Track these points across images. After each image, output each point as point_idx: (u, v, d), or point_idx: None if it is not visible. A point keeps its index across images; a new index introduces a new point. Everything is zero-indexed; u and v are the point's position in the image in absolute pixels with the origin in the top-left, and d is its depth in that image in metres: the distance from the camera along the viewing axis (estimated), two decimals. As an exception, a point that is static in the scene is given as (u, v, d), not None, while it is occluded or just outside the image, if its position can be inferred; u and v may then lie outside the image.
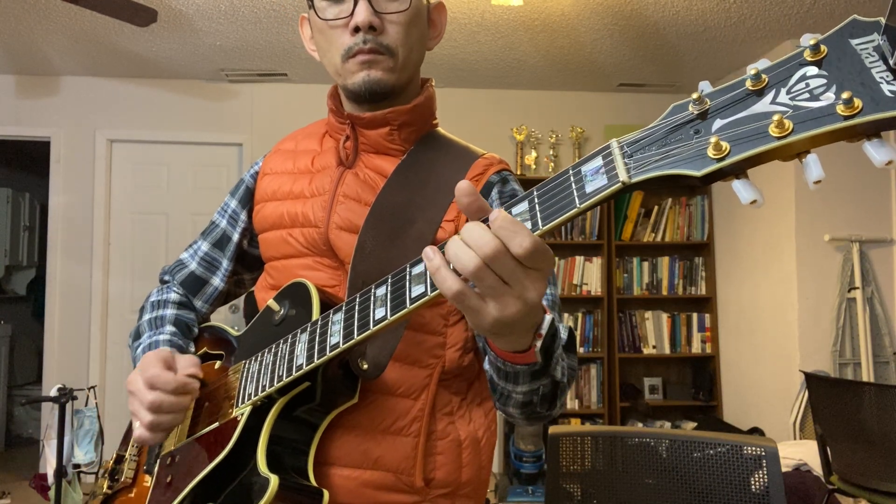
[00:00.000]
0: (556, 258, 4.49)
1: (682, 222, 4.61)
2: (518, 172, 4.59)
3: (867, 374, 3.59)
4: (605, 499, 1.42)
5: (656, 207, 4.62)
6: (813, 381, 2.74)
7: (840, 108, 0.46)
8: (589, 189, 0.57)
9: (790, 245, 3.77)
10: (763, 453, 1.29)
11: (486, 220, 0.61)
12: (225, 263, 1.13)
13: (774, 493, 1.25)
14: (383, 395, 0.91)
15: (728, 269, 4.44)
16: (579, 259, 4.51)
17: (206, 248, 1.14)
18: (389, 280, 0.72)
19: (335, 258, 0.96)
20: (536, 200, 0.61)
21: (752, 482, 1.28)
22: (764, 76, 0.50)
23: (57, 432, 2.81)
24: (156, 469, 0.97)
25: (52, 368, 4.43)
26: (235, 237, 1.12)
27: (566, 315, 4.50)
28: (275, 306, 0.93)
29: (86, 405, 3.38)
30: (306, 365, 0.80)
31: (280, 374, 0.83)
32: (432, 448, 0.92)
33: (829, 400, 2.68)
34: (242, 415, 0.86)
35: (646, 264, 4.61)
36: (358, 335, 0.74)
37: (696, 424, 4.22)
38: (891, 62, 0.45)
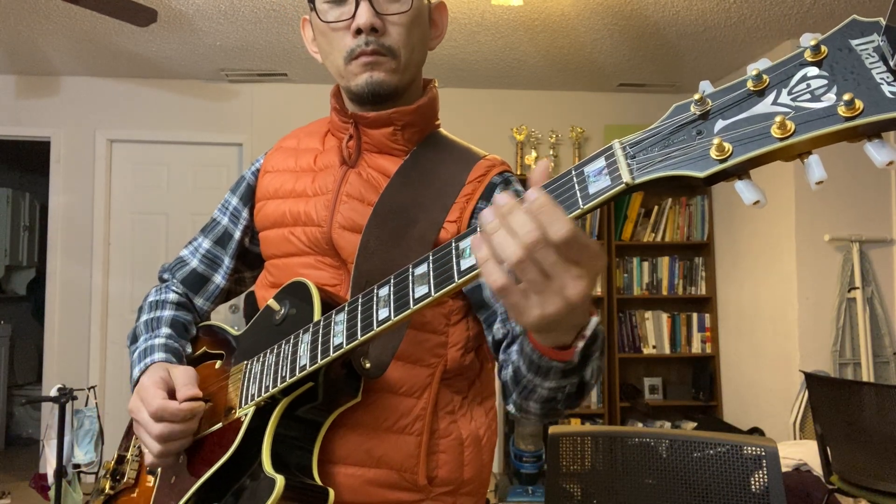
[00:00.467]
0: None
1: (682, 222, 4.61)
2: (518, 172, 4.59)
3: (867, 374, 3.59)
4: (605, 499, 1.42)
5: (656, 207, 4.62)
6: (813, 381, 2.74)
7: (841, 110, 0.46)
8: (592, 190, 0.57)
9: (790, 245, 3.77)
10: (763, 453, 1.29)
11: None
12: (227, 261, 1.12)
13: (774, 493, 1.25)
14: (386, 393, 0.91)
15: (728, 269, 4.44)
16: (579, 259, 4.50)
17: (207, 246, 1.14)
18: (392, 281, 0.73)
19: (337, 257, 0.96)
20: None
21: (752, 482, 1.28)
22: (765, 76, 0.50)
23: (57, 432, 2.81)
24: (159, 470, 0.97)
25: (52, 368, 4.42)
26: (237, 235, 1.11)
27: (566, 315, 4.49)
28: (275, 306, 0.93)
29: (86, 405, 3.38)
30: (310, 365, 0.80)
31: (283, 374, 0.83)
32: (435, 446, 0.93)
33: (829, 400, 2.68)
34: (246, 415, 0.86)
35: (646, 264, 4.61)
36: (361, 336, 0.74)
37: (696, 424, 4.22)
38: (891, 63, 0.46)
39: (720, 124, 0.51)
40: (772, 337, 3.95)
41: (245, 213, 1.11)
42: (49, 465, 2.98)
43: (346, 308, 0.78)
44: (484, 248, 0.59)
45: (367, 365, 0.87)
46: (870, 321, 3.66)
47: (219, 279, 1.13)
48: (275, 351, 0.87)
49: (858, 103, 0.45)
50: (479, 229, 0.62)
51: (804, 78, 0.49)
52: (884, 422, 2.49)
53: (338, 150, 1.01)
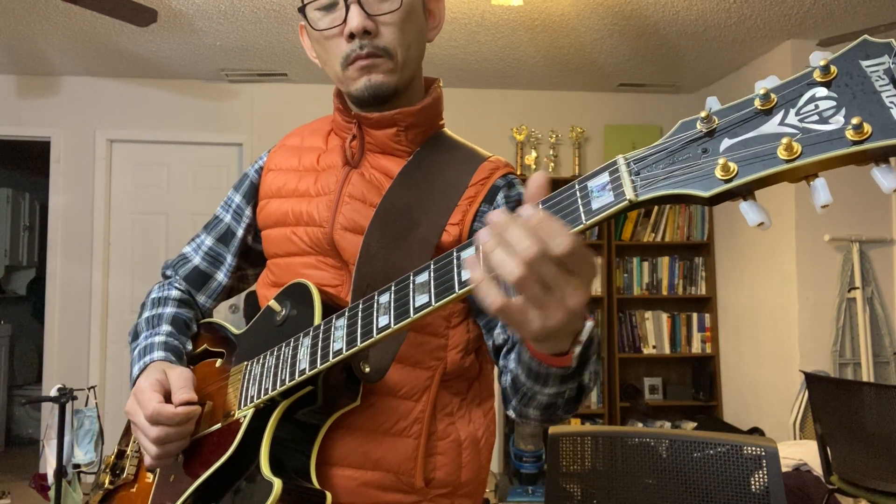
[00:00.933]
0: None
1: (682, 222, 4.61)
2: (518, 172, 4.57)
3: (867, 374, 3.59)
4: (605, 499, 1.42)
5: (656, 207, 4.62)
6: (813, 381, 2.74)
7: (849, 133, 0.45)
8: (595, 206, 0.56)
9: (790, 245, 3.77)
10: (763, 453, 1.29)
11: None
12: (229, 259, 1.12)
13: (774, 493, 1.25)
14: (385, 396, 0.91)
15: (728, 269, 4.44)
16: (579, 259, 4.50)
17: (210, 243, 1.13)
18: (393, 288, 0.72)
19: (339, 258, 0.96)
20: None
21: (752, 482, 1.28)
22: (773, 96, 0.50)
23: (57, 432, 2.81)
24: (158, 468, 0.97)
25: (52, 368, 4.42)
26: (240, 233, 1.11)
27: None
28: (276, 306, 0.93)
29: (86, 405, 3.38)
30: (309, 370, 0.80)
31: (283, 377, 0.83)
32: (433, 448, 0.92)
33: (829, 400, 2.68)
34: (245, 417, 0.86)
35: (646, 264, 4.61)
36: (361, 342, 0.74)
37: (696, 424, 4.22)
38: None
39: (726, 143, 0.51)
40: (772, 337, 3.95)
41: (248, 211, 1.10)
42: (49, 465, 2.98)
43: (347, 314, 0.78)
44: (478, 269, 0.59)
45: (367, 369, 0.87)
46: (870, 321, 3.67)
47: (221, 276, 1.13)
48: (275, 353, 0.87)
49: (867, 127, 0.45)
50: (475, 248, 0.61)
51: (812, 98, 0.48)
52: (884, 422, 2.49)
53: (341, 150, 1.00)
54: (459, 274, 0.65)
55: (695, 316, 4.59)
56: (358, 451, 0.90)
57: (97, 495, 1.06)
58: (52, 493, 2.90)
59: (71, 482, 3.03)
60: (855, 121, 0.45)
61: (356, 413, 0.90)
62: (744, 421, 4.21)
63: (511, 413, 0.87)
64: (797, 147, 0.47)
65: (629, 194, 0.54)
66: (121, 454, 1.06)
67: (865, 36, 0.48)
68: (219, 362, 1.00)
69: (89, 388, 3.40)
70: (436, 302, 0.66)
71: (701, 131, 0.53)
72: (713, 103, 0.53)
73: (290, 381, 0.82)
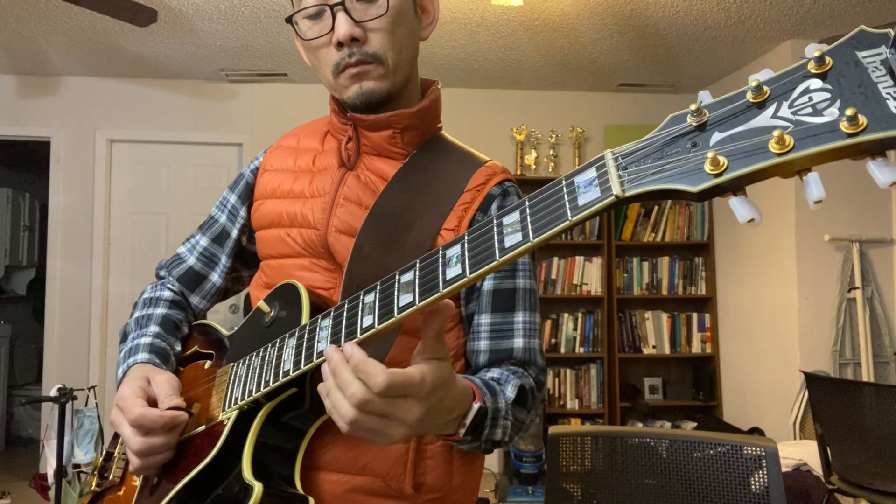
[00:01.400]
0: (557, 258, 4.50)
1: (682, 222, 4.61)
2: (518, 172, 4.60)
3: (867, 374, 3.59)
4: (605, 499, 1.41)
5: (656, 207, 4.62)
6: (813, 381, 2.73)
7: (844, 125, 0.43)
8: (581, 202, 0.55)
9: (790, 245, 3.77)
10: (763, 453, 1.29)
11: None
12: (223, 259, 1.11)
13: (774, 493, 1.25)
14: None
15: (728, 269, 4.44)
16: (579, 259, 4.51)
17: (204, 243, 1.12)
18: (378, 287, 0.71)
19: (332, 261, 0.95)
20: (528, 211, 0.59)
21: (752, 482, 1.28)
22: (766, 88, 0.48)
23: (57, 432, 2.81)
24: None
25: (52, 368, 4.43)
26: (235, 233, 1.10)
27: (566, 315, 4.50)
28: (265, 307, 0.92)
29: (86, 405, 3.39)
30: (293, 371, 0.78)
31: (267, 379, 0.82)
32: (422, 453, 0.90)
33: (829, 400, 2.68)
34: (229, 419, 0.85)
35: (646, 264, 4.61)
36: (345, 343, 0.72)
37: (696, 424, 4.22)
38: None
39: (716, 137, 0.49)
40: (772, 337, 3.95)
41: (243, 212, 1.09)
42: (49, 465, 2.98)
43: (332, 313, 0.77)
44: (326, 399, 0.69)
45: None
46: (870, 321, 3.66)
47: (215, 277, 1.11)
48: (260, 354, 0.86)
49: (862, 119, 0.43)
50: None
51: (806, 91, 0.47)
52: (884, 422, 2.49)
53: (337, 152, 1.00)
54: (444, 273, 0.64)
55: (695, 316, 4.59)
56: (345, 455, 0.88)
57: (85, 499, 1.05)
58: (52, 493, 2.90)
59: (71, 482, 3.03)
60: (849, 112, 0.43)
61: None
62: (744, 421, 4.21)
63: None
64: (789, 140, 0.45)
65: (616, 189, 0.52)
66: (108, 456, 1.05)
67: (862, 26, 0.47)
68: (207, 364, 0.99)
69: (89, 388, 3.40)
70: (419, 301, 0.65)
71: (691, 125, 0.51)
72: (705, 97, 0.51)
73: (273, 383, 0.80)
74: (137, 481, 0.96)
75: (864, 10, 3.38)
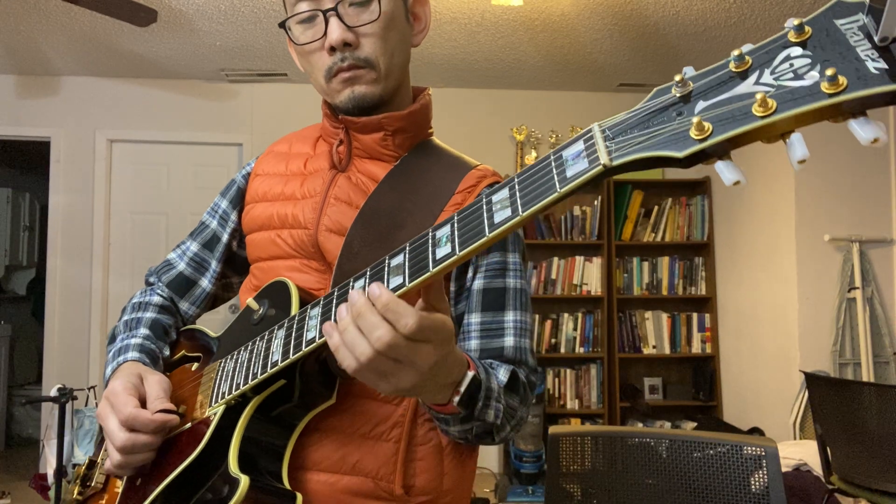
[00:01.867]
0: (557, 258, 4.50)
1: (682, 222, 4.61)
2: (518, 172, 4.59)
3: (867, 374, 3.59)
4: (605, 499, 1.41)
5: (656, 207, 4.62)
6: (813, 381, 2.73)
7: (825, 86, 0.45)
8: (570, 173, 0.56)
9: (790, 245, 3.77)
10: (763, 453, 1.29)
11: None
12: (214, 264, 1.11)
13: (774, 493, 1.25)
14: (364, 398, 0.89)
15: (728, 269, 4.44)
16: (579, 259, 4.51)
17: (195, 249, 1.12)
18: (368, 272, 0.71)
19: (323, 261, 0.95)
20: (517, 187, 0.60)
21: (752, 482, 1.28)
22: (748, 57, 0.50)
23: (57, 432, 2.81)
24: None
25: (52, 368, 4.43)
26: (225, 238, 1.10)
27: (566, 315, 4.50)
28: (254, 305, 0.91)
29: (86, 405, 3.39)
30: (281, 361, 0.77)
31: (255, 371, 0.80)
32: (412, 454, 0.89)
33: (829, 400, 2.68)
34: (215, 414, 0.83)
35: (646, 264, 4.61)
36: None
37: (696, 424, 4.22)
38: (876, 39, 0.45)
39: (701, 105, 0.51)
40: (772, 337, 3.95)
41: (233, 217, 1.09)
42: (49, 465, 2.99)
43: (322, 301, 0.76)
44: (336, 335, 0.67)
45: None
46: (870, 321, 3.66)
47: (205, 283, 1.11)
48: (248, 348, 0.85)
49: (842, 79, 0.44)
50: (333, 319, 0.69)
51: (787, 58, 0.48)
52: (884, 422, 2.49)
53: (328, 155, 1.00)
54: (434, 253, 0.64)
55: (695, 316, 4.59)
56: (335, 454, 0.87)
57: None
58: (52, 493, 2.90)
59: (71, 482, 3.03)
60: (829, 72, 0.45)
61: (333, 415, 0.87)
62: (744, 421, 4.21)
63: None
64: (772, 103, 0.46)
65: (604, 159, 0.53)
66: (91, 464, 1.03)
67: None
68: (195, 366, 0.98)
69: (89, 388, 3.41)
70: (409, 282, 0.65)
71: (675, 96, 0.52)
72: (688, 70, 0.53)
73: (261, 375, 0.79)
74: (120, 487, 0.94)
75: (864, 10, 3.38)
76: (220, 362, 0.90)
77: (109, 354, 1.00)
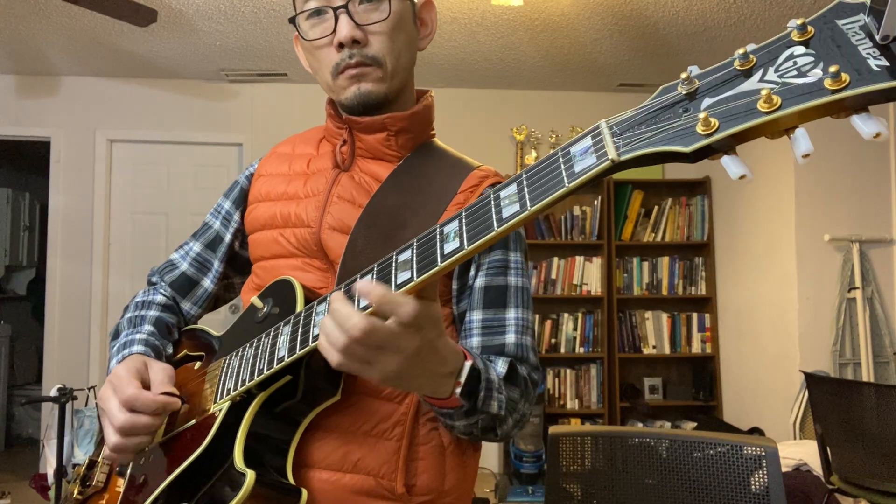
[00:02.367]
0: (557, 258, 4.50)
1: (682, 222, 4.61)
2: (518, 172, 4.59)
3: (867, 374, 3.58)
4: (605, 499, 1.41)
5: (656, 207, 4.62)
6: (813, 381, 2.73)
7: (828, 83, 0.46)
8: (578, 168, 0.56)
9: (790, 245, 3.77)
10: (763, 453, 1.29)
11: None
12: (216, 264, 1.11)
13: (774, 493, 1.25)
14: (367, 396, 0.89)
15: (728, 269, 4.44)
16: (579, 259, 4.51)
17: (198, 249, 1.12)
18: (375, 268, 0.71)
19: (325, 259, 0.95)
20: (525, 182, 0.60)
21: (752, 482, 1.28)
22: (752, 56, 0.51)
23: (57, 432, 2.81)
24: (128, 469, 0.94)
25: (52, 368, 4.43)
26: (228, 238, 1.11)
27: (566, 315, 4.50)
28: (258, 303, 0.91)
29: (86, 405, 3.39)
30: (288, 357, 0.77)
31: (261, 367, 0.81)
32: (414, 453, 0.90)
33: (829, 400, 2.68)
34: (220, 410, 0.84)
35: (646, 264, 4.61)
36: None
37: (696, 424, 4.22)
38: (877, 38, 0.46)
39: (707, 102, 0.52)
40: (772, 337, 3.95)
41: (236, 217, 1.10)
42: (49, 465, 2.99)
43: (328, 298, 0.76)
44: (321, 335, 0.69)
45: None
46: (870, 321, 3.66)
47: (207, 283, 1.12)
48: (254, 345, 0.85)
49: (845, 76, 0.46)
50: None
51: (791, 56, 0.49)
52: (884, 422, 2.49)
53: (331, 155, 1.01)
54: (442, 248, 0.65)
55: (695, 316, 4.59)
56: (337, 452, 0.88)
57: None
58: (52, 493, 2.90)
59: (71, 482, 3.02)
60: (832, 69, 0.46)
61: (336, 413, 0.88)
62: (744, 421, 4.21)
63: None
64: (777, 99, 0.48)
65: (612, 154, 0.54)
66: (91, 465, 1.03)
67: None
68: (198, 364, 0.98)
69: (89, 388, 3.40)
70: (417, 276, 0.65)
71: (681, 93, 0.53)
72: (694, 68, 0.54)
73: (267, 370, 0.79)
74: (121, 486, 0.94)
75: (864, 10, 3.38)
76: (225, 359, 0.90)
77: (113, 349, 1.00)
